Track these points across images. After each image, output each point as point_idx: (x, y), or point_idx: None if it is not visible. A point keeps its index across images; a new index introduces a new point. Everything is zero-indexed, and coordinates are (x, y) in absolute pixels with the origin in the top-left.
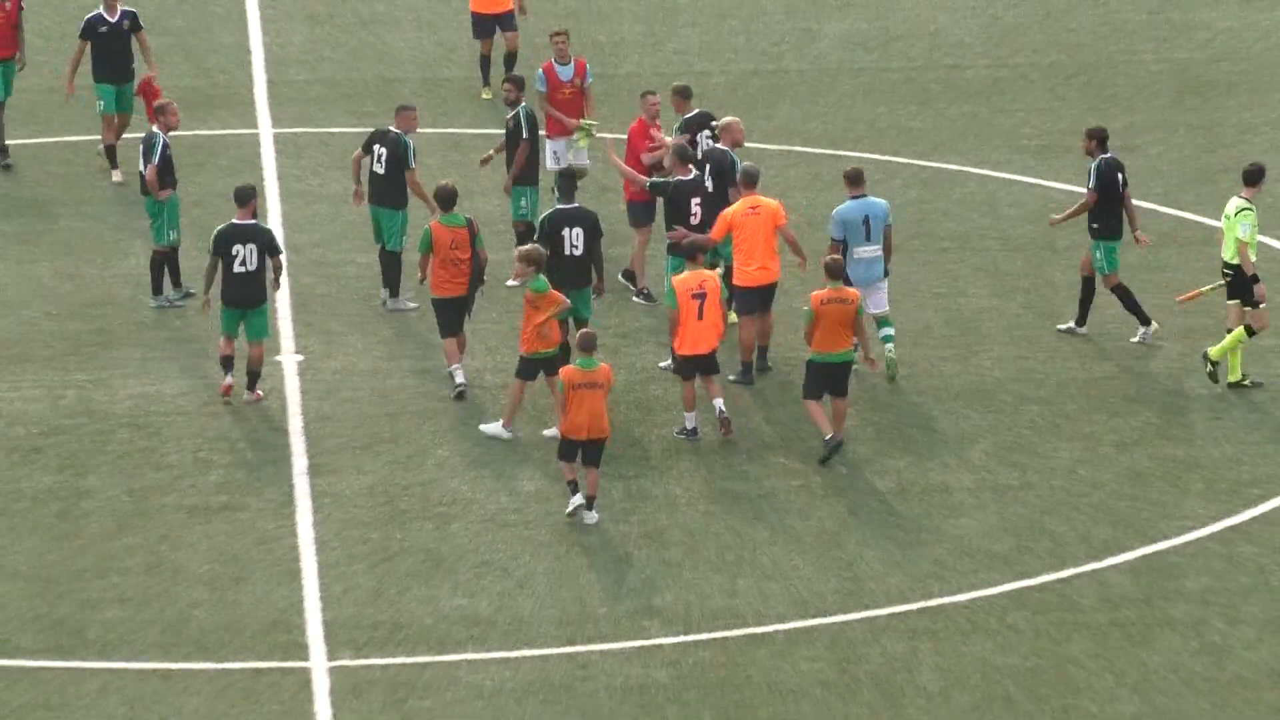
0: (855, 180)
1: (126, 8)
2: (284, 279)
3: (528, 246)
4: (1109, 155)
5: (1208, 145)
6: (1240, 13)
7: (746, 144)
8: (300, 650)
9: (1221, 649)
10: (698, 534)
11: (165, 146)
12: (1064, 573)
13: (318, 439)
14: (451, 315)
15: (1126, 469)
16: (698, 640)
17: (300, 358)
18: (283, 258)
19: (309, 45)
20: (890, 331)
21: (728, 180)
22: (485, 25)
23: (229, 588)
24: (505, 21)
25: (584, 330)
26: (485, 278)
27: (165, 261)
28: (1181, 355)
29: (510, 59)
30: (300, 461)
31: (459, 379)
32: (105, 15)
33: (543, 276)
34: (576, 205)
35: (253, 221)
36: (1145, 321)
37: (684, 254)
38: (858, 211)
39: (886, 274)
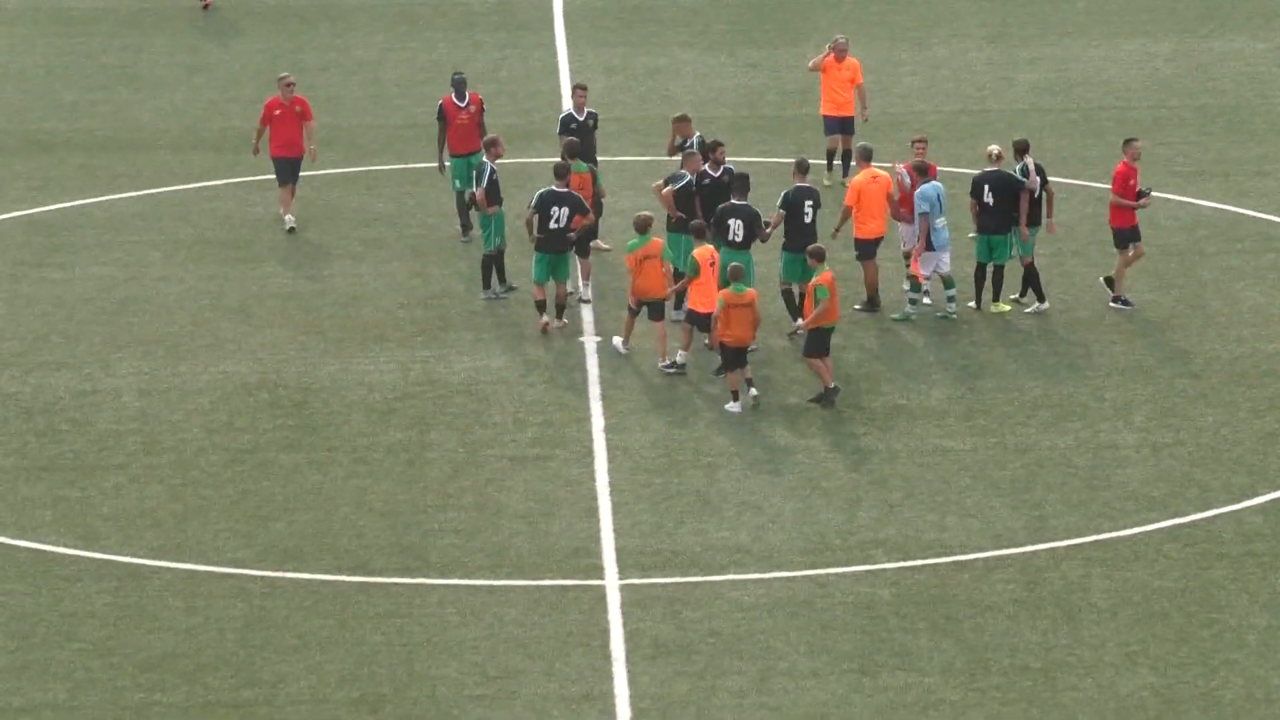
0: (923, 170)
1: (591, 109)
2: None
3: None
4: (1029, 161)
5: None
6: None
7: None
8: (597, 571)
9: None
10: (914, 481)
11: (492, 172)
12: (1209, 513)
13: (612, 403)
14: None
15: (1260, 430)
16: (914, 566)
17: (598, 339)
18: (589, 219)
19: (606, 91)
20: (954, 293)
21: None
22: (831, 125)
23: (541, 521)
24: (848, 126)
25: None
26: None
27: (493, 263)
28: None
29: (845, 155)
30: (598, 421)
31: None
32: (574, 113)
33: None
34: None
35: (566, 190)
36: (1041, 299)
37: (693, 235)
38: (934, 191)
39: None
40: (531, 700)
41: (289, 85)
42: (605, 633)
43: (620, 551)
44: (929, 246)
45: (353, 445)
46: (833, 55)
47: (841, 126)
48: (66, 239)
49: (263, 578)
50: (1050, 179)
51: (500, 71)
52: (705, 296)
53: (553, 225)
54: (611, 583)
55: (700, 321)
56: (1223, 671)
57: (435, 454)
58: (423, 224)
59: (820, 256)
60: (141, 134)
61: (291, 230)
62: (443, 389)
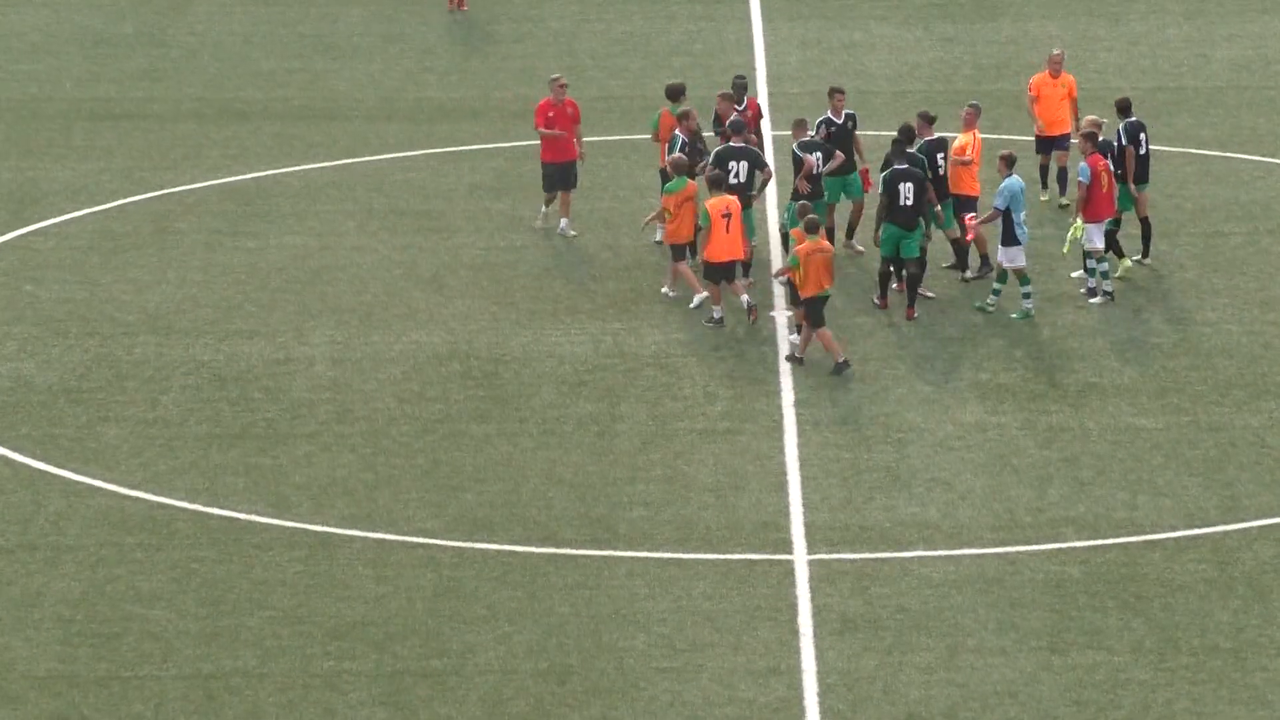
0: (1012, 162)
1: (849, 110)
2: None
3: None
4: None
5: None
6: None
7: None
8: (785, 545)
9: None
10: (1105, 459)
11: (684, 145)
12: None
13: (802, 377)
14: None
15: None
16: (1104, 544)
17: (789, 313)
18: (769, 171)
19: (801, 65)
20: (1030, 289)
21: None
22: (1044, 144)
23: (730, 495)
24: (1061, 143)
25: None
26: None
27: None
28: None
29: (1061, 173)
30: (788, 395)
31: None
32: (832, 117)
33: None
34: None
35: (743, 145)
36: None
37: (711, 184)
38: (1017, 185)
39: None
40: (718, 673)
41: (562, 86)
42: (793, 607)
43: (809, 526)
44: (1013, 240)
45: (543, 416)
46: (1047, 71)
47: (1056, 144)
48: (261, 208)
49: (452, 548)
50: (1237, 155)
51: (695, 44)
52: (719, 246)
53: (731, 180)
54: (800, 557)
55: (714, 272)
56: None
57: (625, 426)
58: (615, 196)
59: (812, 228)
60: (337, 103)
61: (572, 236)
62: (633, 361)
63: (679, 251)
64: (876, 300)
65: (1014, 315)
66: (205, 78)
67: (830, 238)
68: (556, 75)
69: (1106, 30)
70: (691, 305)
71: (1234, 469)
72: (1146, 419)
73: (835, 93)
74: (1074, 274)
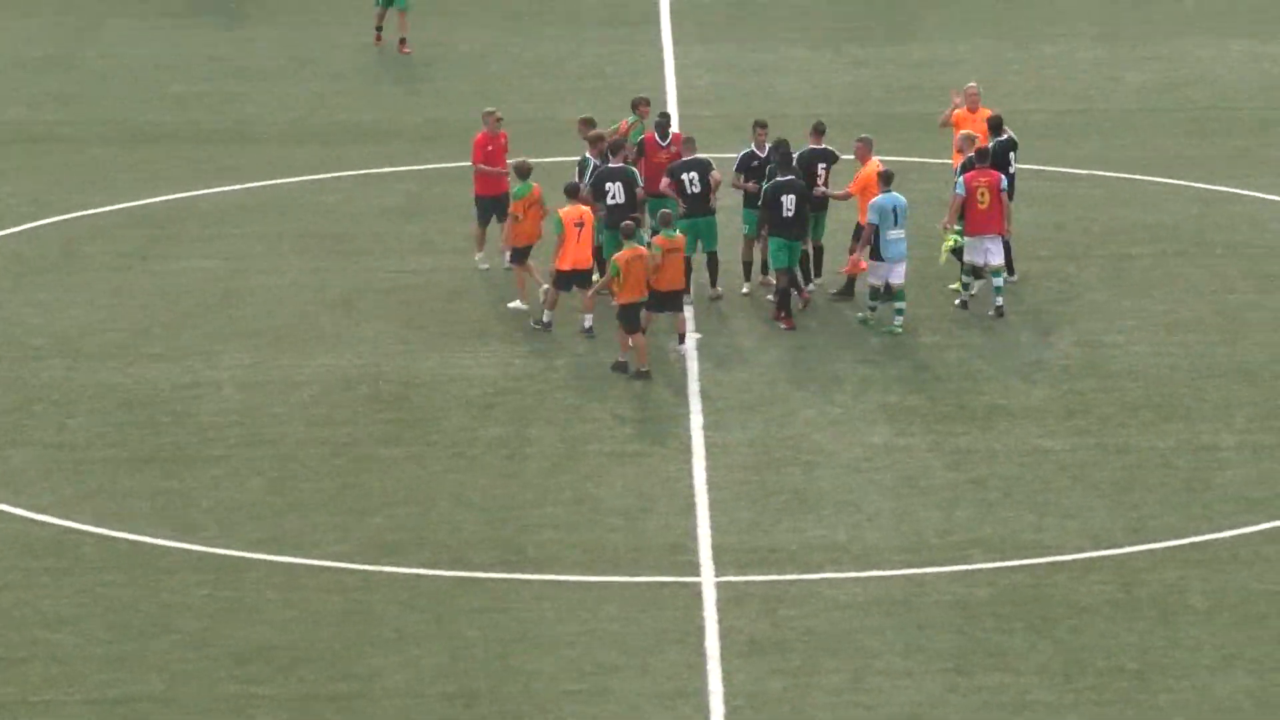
0: (889, 179)
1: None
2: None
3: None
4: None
5: None
6: None
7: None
8: (694, 568)
9: None
10: (1013, 481)
11: (595, 168)
12: None
13: (711, 400)
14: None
15: None
16: (1011, 566)
17: (699, 336)
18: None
19: (711, 88)
20: (903, 306)
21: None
22: None
23: (638, 517)
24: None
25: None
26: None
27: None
28: None
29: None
30: (697, 418)
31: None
32: (755, 150)
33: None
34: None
35: (621, 166)
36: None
37: (566, 192)
38: (889, 203)
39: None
40: (626, 697)
41: (497, 120)
42: (701, 630)
43: (717, 549)
44: (878, 256)
45: (452, 440)
46: (965, 108)
47: None
48: (171, 231)
49: (360, 571)
50: (1146, 177)
51: (606, 67)
52: (569, 255)
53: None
54: (708, 580)
55: (562, 280)
56: None
57: (534, 449)
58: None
59: (628, 233)
60: (248, 127)
61: (484, 269)
62: (542, 384)
63: (521, 254)
64: (780, 321)
65: (858, 318)
66: (116, 101)
67: (748, 272)
68: (491, 109)
69: (1016, 53)
70: (510, 305)
71: (1140, 491)
72: (1054, 441)
73: (758, 126)
74: (951, 286)
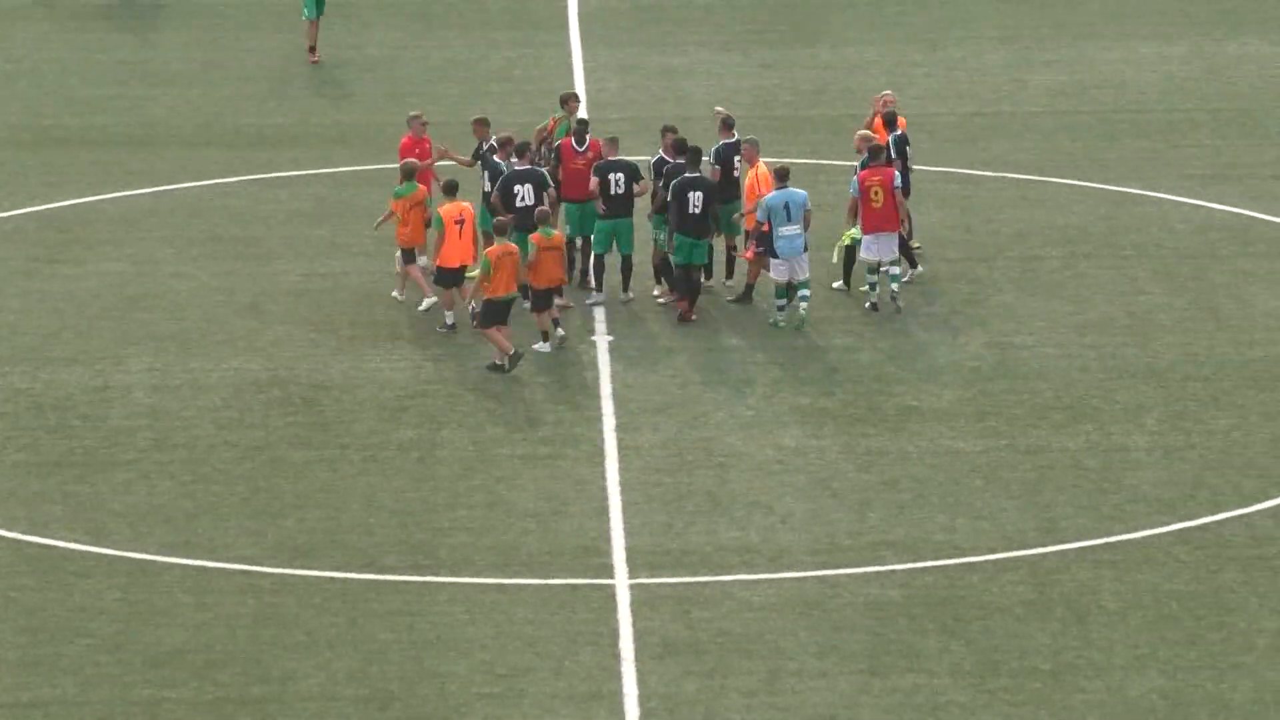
0: (783, 176)
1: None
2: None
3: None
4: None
5: None
6: None
7: (969, 171)
8: (607, 570)
9: None
10: (924, 483)
11: (500, 170)
12: (1219, 516)
13: (623, 403)
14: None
15: (1271, 433)
16: (924, 567)
17: (611, 338)
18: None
19: (620, 90)
20: (807, 293)
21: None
22: None
23: (551, 520)
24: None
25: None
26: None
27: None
28: None
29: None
30: (609, 420)
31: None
32: (664, 155)
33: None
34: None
35: (528, 168)
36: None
37: (445, 190)
38: (780, 199)
39: (805, 248)
40: (540, 699)
41: (423, 124)
42: (614, 632)
43: (630, 551)
44: (772, 253)
45: (364, 443)
46: (880, 119)
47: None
48: (79, 235)
49: (273, 574)
50: (1054, 179)
51: (515, 70)
52: (451, 252)
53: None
54: (621, 582)
55: (445, 277)
56: (1232, 675)
57: (446, 452)
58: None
59: (501, 229)
60: (155, 130)
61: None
62: (454, 387)
63: (409, 255)
64: (677, 306)
65: (769, 321)
66: (22, 104)
67: (659, 276)
68: (416, 113)
69: (924, 55)
70: (420, 308)
71: (1051, 491)
72: (965, 442)
73: (667, 131)
74: (835, 285)
